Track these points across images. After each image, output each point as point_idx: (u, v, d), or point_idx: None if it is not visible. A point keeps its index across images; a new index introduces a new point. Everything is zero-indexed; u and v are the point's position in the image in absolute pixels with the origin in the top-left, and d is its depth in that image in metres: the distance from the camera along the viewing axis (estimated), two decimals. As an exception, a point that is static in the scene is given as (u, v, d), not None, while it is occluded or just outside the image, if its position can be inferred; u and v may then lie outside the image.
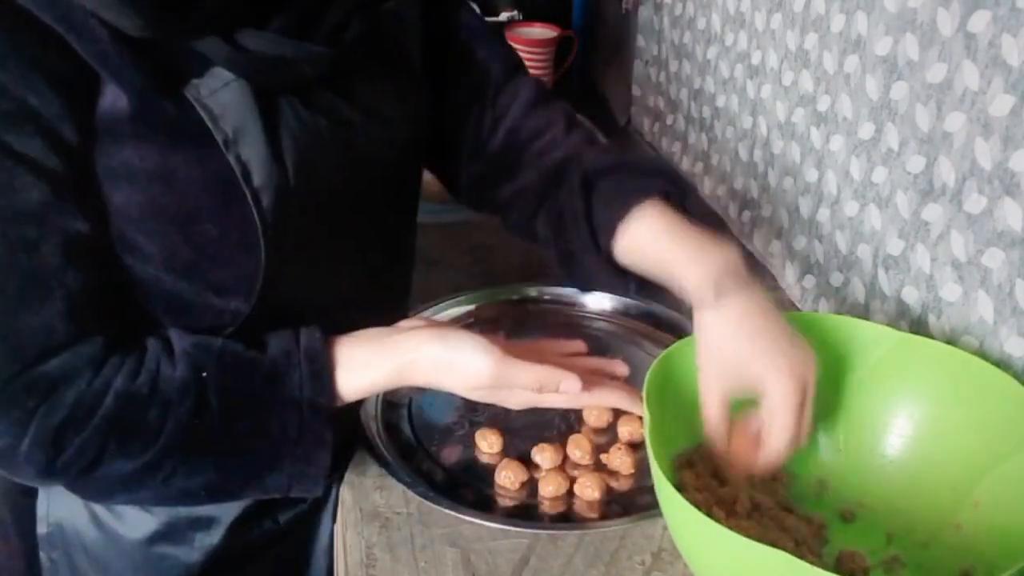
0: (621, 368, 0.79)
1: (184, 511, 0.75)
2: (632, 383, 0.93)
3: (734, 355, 0.66)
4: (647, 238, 0.69)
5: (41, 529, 0.76)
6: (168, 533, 0.75)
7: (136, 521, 0.75)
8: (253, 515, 0.78)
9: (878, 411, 0.76)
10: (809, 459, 0.76)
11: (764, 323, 0.66)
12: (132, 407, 0.61)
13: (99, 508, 0.75)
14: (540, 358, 0.71)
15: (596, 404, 0.81)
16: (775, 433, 0.65)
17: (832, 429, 0.77)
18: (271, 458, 0.65)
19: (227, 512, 0.76)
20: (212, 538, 0.76)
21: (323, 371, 0.65)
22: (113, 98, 0.57)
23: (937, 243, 0.80)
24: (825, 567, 0.52)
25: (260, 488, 0.67)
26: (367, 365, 0.67)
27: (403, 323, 0.71)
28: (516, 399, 0.71)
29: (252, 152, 0.60)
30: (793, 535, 0.68)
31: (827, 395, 0.77)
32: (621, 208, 0.70)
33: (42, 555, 0.77)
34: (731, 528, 0.56)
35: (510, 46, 0.85)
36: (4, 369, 0.58)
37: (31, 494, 0.76)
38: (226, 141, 0.59)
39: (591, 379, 0.73)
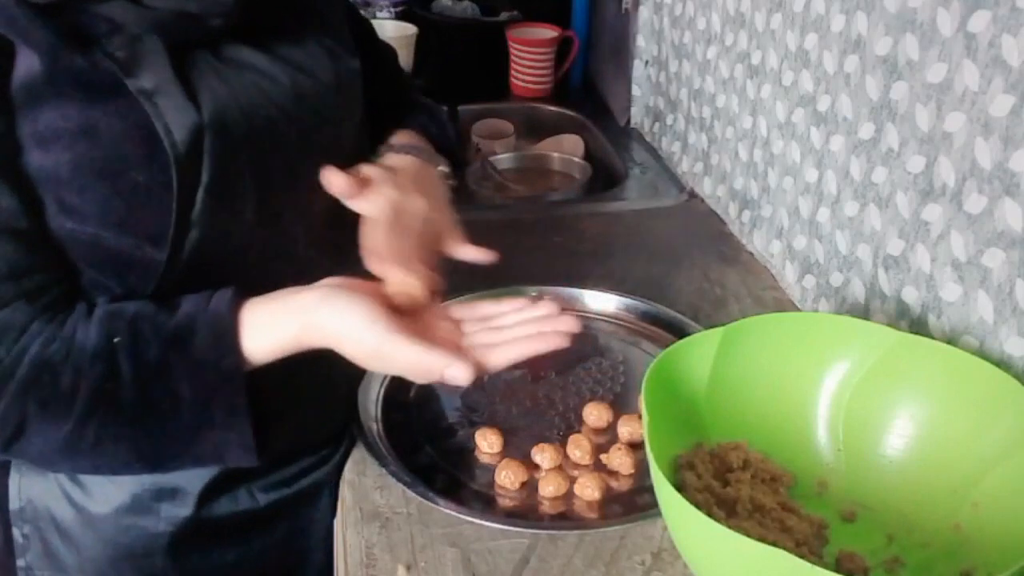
0: (547, 307, 0.72)
1: (148, 482, 0.75)
2: (634, 384, 0.93)
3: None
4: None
5: (13, 505, 0.77)
6: (134, 505, 0.76)
7: (104, 495, 0.75)
8: (223, 486, 0.78)
9: (878, 411, 0.76)
10: (810, 459, 0.77)
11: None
12: (46, 372, 0.62)
13: (68, 484, 0.75)
14: (432, 332, 0.68)
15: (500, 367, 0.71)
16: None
17: (833, 429, 0.77)
18: (191, 422, 0.65)
19: (192, 482, 0.76)
20: (180, 510, 0.76)
21: (227, 333, 0.65)
22: (27, 64, 0.59)
23: (937, 243, 0.80)
24: (826, 567, 0.52)
25: (192, 455, 0.67)
26: (271, 326, 0.66)
27: (323, 280, 0.69)
28: (412, 375, 0.67)
29: (165, 96, 0.62)
30: (794, 535, 0.68)
31: (828, 396, 0.77)
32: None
33: (15, 531, 0.78)
34: (732, 528, 0.57)
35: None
36: None
37: (5, 471, 0.77)
38: (140, 90, 0.61)
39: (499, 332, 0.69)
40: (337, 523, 0.80)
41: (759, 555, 0.55)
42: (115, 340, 0.64)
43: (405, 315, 0.68)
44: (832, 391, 0.77)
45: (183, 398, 0.64)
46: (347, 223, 0.78)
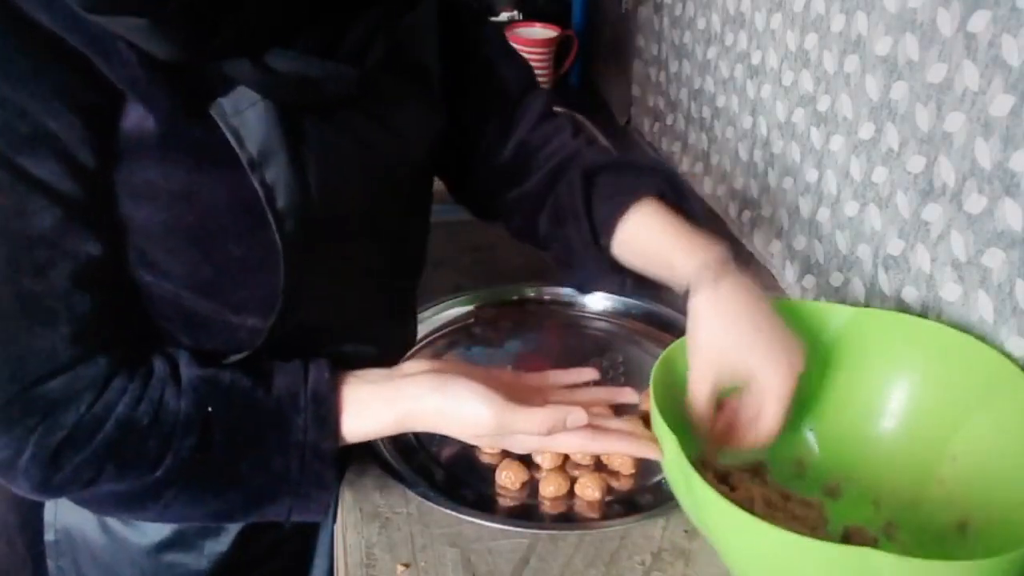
0: (628, 395, 0.75)
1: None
2: (634, 384, 0.93)
3: (729, 343, 0.67)
4: (645, 233, 0.71)
5: (49, 536, 0.76)
6: (177, 541, 0.75)
7: (145, 528, 0.74)
8: (262, 524, 0.77)
9: (843, 385, 0.78)
10: (783, 443, 0.77)
11: (757, 311, 0.67)
12: (132, 434, 0.61)
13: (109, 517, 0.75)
14: (542, 397, 0.70)
15: (604, 451, 0.77)
16: (767, 421, 0.66)
17: (801, 410, 0.78)
18: (272, 492, 0.65)
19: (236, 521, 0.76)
20: (221, 546, 0.76)
21: (328, 416, 0.65)
22: (139, 119, 0.57)
23: (937, 243, 0.80)
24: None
25: (260, 516, 0.67)
26: (370, 412, 0.66)
27: (407, 365, 0.69)
28: (523, 443, 0.68)
29: (277, 174, 0.60)
30: (803, 522, 0.69)
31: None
32: (620, 204, 0.72)
33: (49, 563, 0.77)
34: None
35: (525, 60, 0.86)
36: (5, 389, 0.58)
37: (39, 501, 0.75)
38: (251, 162, 0.59)
39: (597, 419, 0.69)
40: (337, 523, 0.80)
41: (818, 552, 0.55)
42: (208, 410, 0.62)
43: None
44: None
45: (273, 472, 0.64)
46: (397, 266, 0.79)
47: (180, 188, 0.59)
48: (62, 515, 0.75)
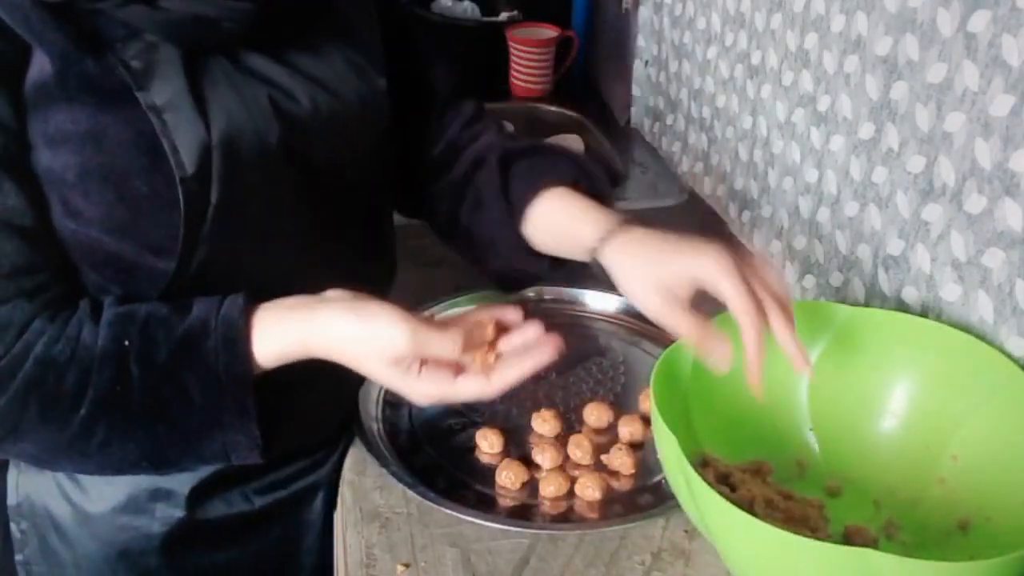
0: (532, 329, 0.72)
1: (145, 482, 0.75)
2: (634, 384, 0.93)
3: (654, 265, 0.68)
4: (553, 213, 0.75)
5: (11, 501, 0.77)
6: (129, 505, 0.76)
7: (100, 494, 0.76)
8: (213, 487, 0.78)
9: (843, 385, 0.78)
10: (785, 444, 0.78)
11: (665, 236, 0.70)
12: (50, 372, 0.62)
13: (66, 482, 0.76)
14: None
15: (503, 389, 0.70)
16: (732, 303, 0.65)
17: (802, 410, 0.78)
18: (200, 424, 0.66)
19: (183, 483, 0.76)
20: (174, 511, 0.77)
21: (238, 339, 0.65)
22: (41, 66, 0.59)
23: (937, 243, 0.80)
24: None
25: (198, 455, 0.68)
26: (281, 332, 0.66)
27: (329, 292, 0.68)
28: (424, 386, 0.67)
29: (175, 111, 0.61)
30: (804, 522, 0.70)
31: (790, 378, 0.78)
32: (533, 185, 0.75)
33: (12, 526, 0.78)
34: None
35: (454, 68, 0.89)
36: None
37: (3, 468, 0.77)
38: (151, 105, 0.61)
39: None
40: (337, 523, 0.80)
41: (824, 553, 0.55)
42: (125, 343, 0.63)
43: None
44: (795, 374, 0.78)
45: (193, 401, 0.65)
46: (350, 240, 0.78)
47: (87, 130, 0.61)
48: (24, 481, 0.77)
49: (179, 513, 0.77)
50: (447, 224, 0.84)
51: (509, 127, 0.84)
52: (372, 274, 0.83)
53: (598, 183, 0.78)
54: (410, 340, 0.64)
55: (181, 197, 0.63)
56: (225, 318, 0.65)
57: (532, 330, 0.71)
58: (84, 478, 0.75)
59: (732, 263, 0.65)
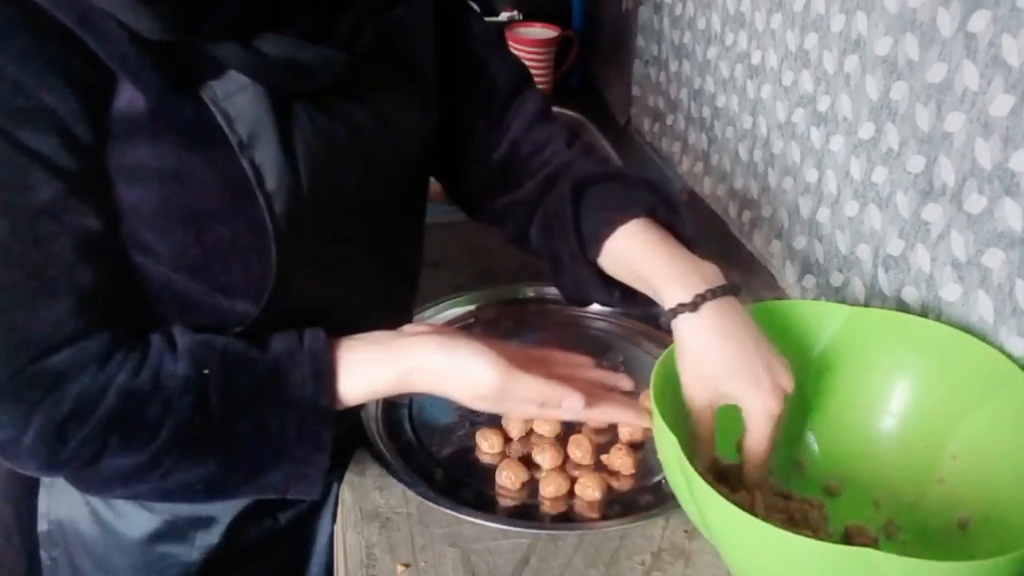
0: (625, 382, 0.77)
1: (185, 510, 0.75)
2: (634, 384, 0.93)
3: (713, 369, 0.66)
4: (631, 252, 0.70)
5: (42, 527, 0.76)
6: (168, 532, 0.75)
7: (137, 519, 0.75)
8: (252, 514, 0.78)
9: (843, 385, 0.78)
10: (783, 443, 0.77)
11: (740, 333, 0.66)
12: (134, 403, 0.61)
13: (100, 506, 0.75)
14: (545, 369, 0.71)
15: (598, 420, 0.80)
16: (754, 444, 0.67)
17: (799, 410, 0.78)
18: (270, 456, 0.65)
19: (226, 511, 0.76)
20: (212, 537, 0.76)
21: (325, 372, 0.65)
22: (130, 98, 0.58)
23: (937, 243, 0.80)
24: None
25: (258, 486, 0.67)
26: (370, 369, 0.67)
27: (407, 327, 0.70)
28: (519, 411, 0.71)
29: (266, 156, 0.60)
30: (804, 522, 0.70)
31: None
32: (609, 220, 0.71)
33: (42, 553, 0.77)
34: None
35: (518, 58, 0.85)
36: (11, 362, 0.58)
37: (33, 493, 0.76)
38: (241, 144, 0.60)
39: (594, 393, 0.71)
40: (337, 523, 0.80)
41: (823, 553, 0.55)
42: (205, 372, 0.63)
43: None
44: (794, 373, 0.78)
45: (270, 432, 0.64)
46: (392, 262, 0.79)
47: (171, 168, 0.60)
48: (55, 507, 0.76)
49: (215, 540, 0.77)
50: (516, 240, 0.83)
51: (587, 128, 0.80)
52: (403, 290, 0.85)
53: (677, 212, 0.73)
54: (497, 382, 0.66)
55: (274, 244, 0.62)
56: (311, 351, 0.65)
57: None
58: (122, 504, 0.74)
59: (774, 419, 0.66)
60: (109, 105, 0.58)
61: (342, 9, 0.62)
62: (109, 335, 0.62)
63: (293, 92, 0.62)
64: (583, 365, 0.77)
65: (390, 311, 0.79)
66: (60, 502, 0.75)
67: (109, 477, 0.64)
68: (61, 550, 0.77)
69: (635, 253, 0.70)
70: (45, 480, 0.76)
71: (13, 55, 0.54)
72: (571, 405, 0.68)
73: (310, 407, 0.65)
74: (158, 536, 0.75)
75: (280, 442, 0.65)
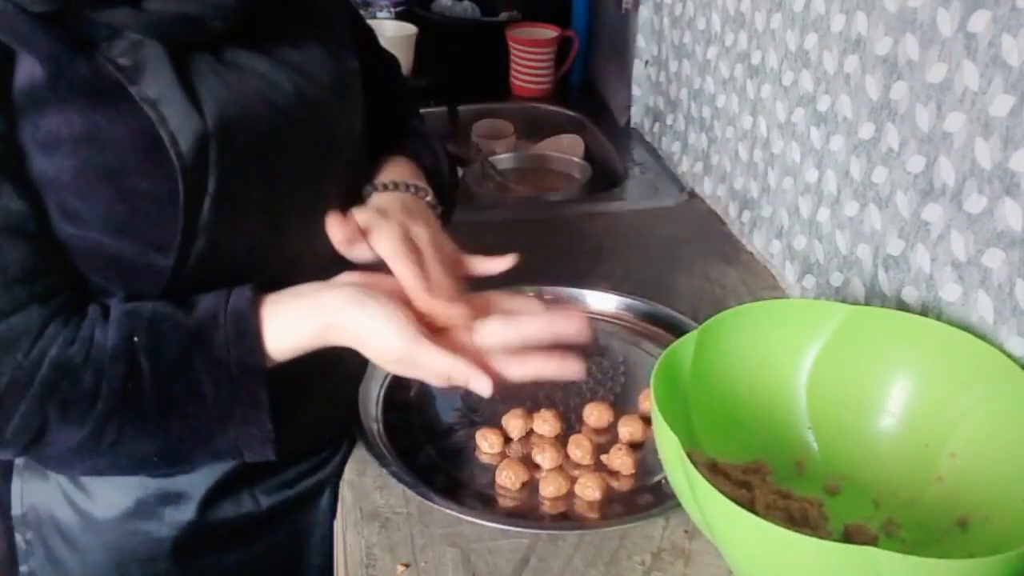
0: (574, 324, 0.70)
1: (153, 486, 0.75)
2: (634, 384, 0.93)
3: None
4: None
5: (16, 511, 0.77)
6: (138, 509, 0.76)
7: (108, 499, 0.75)
8: (224, 490, 0.78)
9: (842, 384, 0.78)
10: (783, 443, 0.78)
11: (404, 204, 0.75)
12: (67, 374, 0.63)
13: (71, 489, 0.75)
14: (481, 311, 0.69)
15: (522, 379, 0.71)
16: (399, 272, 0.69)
17: (800, 410, 0.78)
18: (211, 420, 0.66)
19: (195, 486, 0.76)
20: (184, 514, 0.76)
21: (249, 332, 0.65)
22: (29, 71, 0.59)
23: (937, 243, 0.80)
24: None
25: (210, 451, 0.68)
26: (293, 326, 0.67)
27: (340, 277, 0.69)
28: (432, 381, 0.68)
29: (169, 105, 0.62)
30: (804, 521, 0.70)
31: (791, 379, 0.79)
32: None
33: (17, 536, 0.78)
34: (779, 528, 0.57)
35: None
36: None
37: (7, 477, 0.77)
38: (145, 98, 0.61)
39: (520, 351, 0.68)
40: (337, 523, 0.80)
41: (826, 552, 0.55)
42: (135, 339, 0.64)
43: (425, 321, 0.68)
44: (793, 373, 0.78)
45: (205, 394, 0.65)
46: None
47: (81, 132, 0.61)
48: (28, 490, 0.76)
49: (188, 516, 0.77)
50: None
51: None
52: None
53: (439, 167, 0.85)
54: (401, 352, 0.65)
55: (181, 188, 0.63)
56: (234, 310, 0.66)
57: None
58: (90, 484, 0.75)
59: (395, 240, 0.70)
60: (10, 83, 0.59)
61: None
62: (41, 310, 0.63)
63: (190, 45, 0.64)
64: (527, 312, 0.72)
65: (330, 262, 0.78)
66: (33, 486, 0.76)
67: (63, 452, 0.65)
68: (35, 533, 0.77)
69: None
70: (17, 463, 0.76)
71: None
72: (478, 388, 0.65)
73: (239, 366, 0.65)
74: (129, 515, 0.76)
75: (217, 404, 0.65)
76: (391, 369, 0.69)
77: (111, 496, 0.75)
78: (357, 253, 0.71)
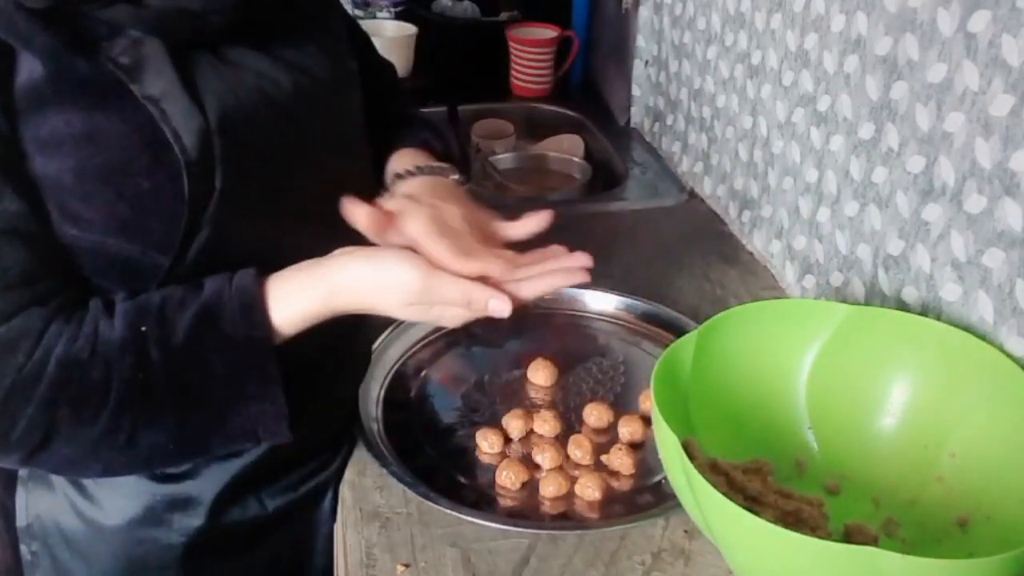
0: (579, 259, 0.72)
1: (161, 492, 0.75)
2: (634, 384, 0.93)
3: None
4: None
5: (20, 522, 0.77)
6: (147, 517, 0.75)
7: (114, 507, 0.75)
8: (233, 493, 0.77)
9: (842, 384, 0.78)
10: (784, 443, 0.78)
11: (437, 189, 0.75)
12: (75, 371, 0.62)
13: (77, 497, 0.75)
14: (489, 248, 0.70)
15: (532, 299, 0.72)
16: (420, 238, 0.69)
17: (800, 410, 0.78)
18: (225, 399, 0.65)
19: (205, 491, 0.76)
20: (193, 520, 0.76)
21: (254, 305, 0.65)
22: (29, 70, 0.59)
23: (937, 243, 0.80)
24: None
25: (226, 435, 0.67)
26: (298, 295, 0.67)
27: (337, 251, 0.69)
28: (449, 315, 0.68)
29: (171, 100, 0.62)
30: (804, 520, 0.70)
31: (791, 379, 0.79)
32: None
33: (22, 547, 0.77)
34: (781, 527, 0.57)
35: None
36: None
37: (11, 488, 0.76)
38: (147, 96, 0.61)
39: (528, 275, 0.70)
40: (337, 523, 0.80)
41: (827, 552, 0.55)
42: (142, 329, 0.63)
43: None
44: (793, 373, 0.78)
45: (215, 375, 0.64)
46: (356, 235, 0.78)
47: (83, 131, 0.61)
48: (32, 501, 0.76)
49: (198, 522, 0.76)
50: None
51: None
52: (354, 240, 0.83)
53: (450, 148, 0.86)
54: (419, 284, 0.65)
55: (186, 184, 0.62)
56: (239, 287, 0.65)
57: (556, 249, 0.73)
58: (97, 492, 0.74)
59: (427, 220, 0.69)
60: (11, 83, 0.59)
61: None
62: (42, 311, 0.62)
63: (191, 42, 0.64)
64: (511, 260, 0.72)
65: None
66: (37, 495, 0.76)
67: (77, 453, 0.64)
68: (40, 543, 0.77)
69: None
70: (21, 474, 0.76)
71: None
72: (496, 308, 0.67)
73: (246, 342, 0.65)
74: (137, 522, 0.75)
75: (229, 383, 0.65)
76: (407, 315, 0.68)
77: (119, 504, 0.75)
78: (388, 240, 0.70)
